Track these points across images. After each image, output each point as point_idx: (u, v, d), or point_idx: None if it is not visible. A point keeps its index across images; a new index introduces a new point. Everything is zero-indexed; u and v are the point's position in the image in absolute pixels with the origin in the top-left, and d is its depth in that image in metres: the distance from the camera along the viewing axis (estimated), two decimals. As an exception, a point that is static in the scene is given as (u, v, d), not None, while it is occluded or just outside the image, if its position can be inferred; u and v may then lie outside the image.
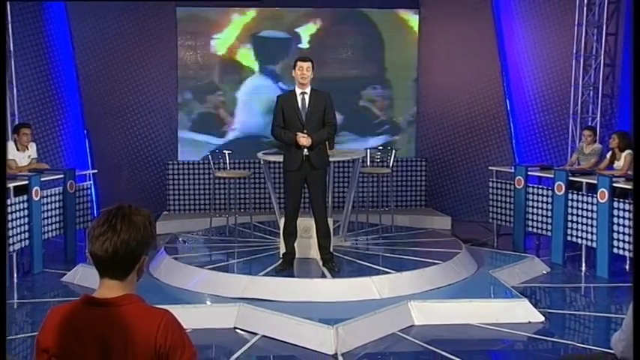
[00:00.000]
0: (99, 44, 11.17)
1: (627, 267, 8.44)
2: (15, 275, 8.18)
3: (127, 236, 2.53)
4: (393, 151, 10.03)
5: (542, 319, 6.67)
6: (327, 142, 7.48)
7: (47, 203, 8.79)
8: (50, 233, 8.91)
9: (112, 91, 11.32)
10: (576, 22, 10.52)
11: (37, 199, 8.49)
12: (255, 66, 11.53)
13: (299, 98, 7.20)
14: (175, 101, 11.52)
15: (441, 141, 11.81)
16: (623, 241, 8.04)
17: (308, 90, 7.21)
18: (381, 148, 10.77)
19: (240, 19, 11.42)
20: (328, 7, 11.59)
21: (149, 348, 2.54)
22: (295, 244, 7.46)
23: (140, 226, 2.56)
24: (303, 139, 7.03)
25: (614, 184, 8.22)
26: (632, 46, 2.95)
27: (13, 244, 8.09)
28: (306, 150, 7.08)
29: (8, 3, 10.01)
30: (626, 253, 8.08)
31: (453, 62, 11.53)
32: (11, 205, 8.05)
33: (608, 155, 9.14)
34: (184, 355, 2.60)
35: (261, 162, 8.76)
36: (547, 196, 9.18)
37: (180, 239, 9.04)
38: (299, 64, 7.16)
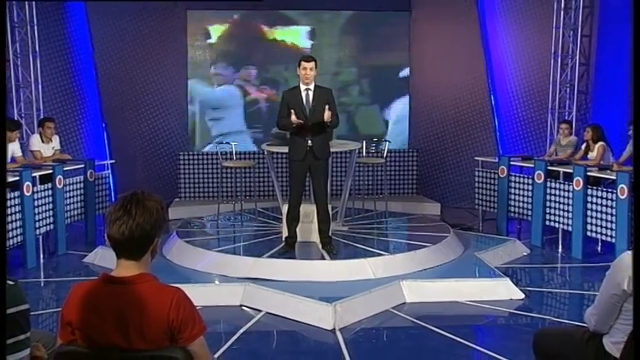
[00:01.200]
0: (116, 44, 11.16)
1: (599, 249, 8.47)
2: (41, 256, 8.20)
3: (142, 220, 2.55)
4: (387, 143, 10.03)
5: (522, 296, 6.69)
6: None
7: (69, 191, 8.81)
8: (72, 218, 8.93)
9: (128, 87, 11.32)
10: (554, 25, 10.51)
11: (60, 187, 8.51)
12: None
13: (303, 94, 7.15)
14: (185, 96, 11.52)
15: (431, 133, 11.80)
16: (596, 225, 8.07)
17: (312, 86, 7.16)
18: (375, 140, 10.77)
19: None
20: (324, 9, 11.58)
21: (162, 322, 2.56)
22: (297, 229, 7.45)
23: (153, 211, 2.58)
24: (294, 117, 6.92)
25: (588, 173, 8.24)
26: (633, 47, 2.90)
27: (39, 227, 8.12)
28: (309, 141, 7.06)
29: (34, 5, 10.01)
30: (599, 236, 8.11)
31: (442, 61, 11.51)
32: (37, 192, 8.08)
33: (583, 147, 9.13)
34: (195, 329, 2.62)
35: (265, 153, 8.77)
36: (528, 184, 9.19)
37: (190, 224, 9.05)
38: (303, 64, 7.10)
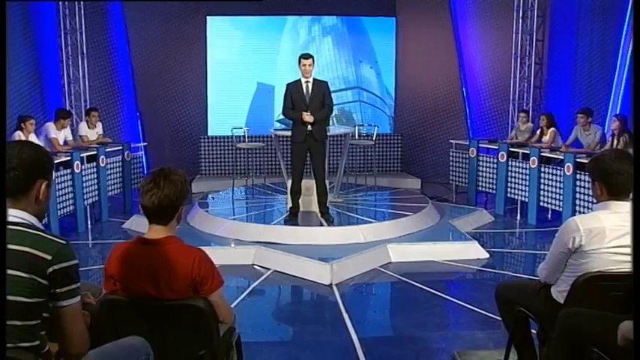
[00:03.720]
0: (149, 46, 11.11)
1: (549, 216, 8.47)
2: (89, 222, 8.25)
3: (168, 191, 2.57)
4: (376, 128, 10.02)
5: (488, 256, 6.73)
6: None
7: (110, 168, 8.83)
8: (113, 191, 8.96)
9: (158, 81, 11.26)
10: (514, 31, 10.43)
11: (103, 165, 8.54)
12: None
13: (304, 86, 7.09)
14: (205, 89, 11.48)
15: (413, 120, 11.78)
16: (548, 197, 8.11)
17: (311, 79, 7.10)
18: (367, 125, 10.75)
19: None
20: (319, 14, 11.49)
21: (187, 277, 2.59)
22: (300, 201, 7.45)
23: (178, 183, 2.60)
24: (307, 117, 6.98)
25: (542, 154, 8.27)
26: (633, 46, 2.88)
27: (87, 199, 8.19)
28: (309, 126, 7.03)
29: (83, 16, 9.92)
30: (549, 206, 8.15)
31: (422, 59, 11.46)
32: (85, 169, 8.13)
33: (538, 132, 9.14)
34: (214, 282, 2.66)
35: (273, 136, 8.77)
36: (493, 162, 9.19)
37: (210, 196, 9.07)
38: (302, 61, 7.05)
